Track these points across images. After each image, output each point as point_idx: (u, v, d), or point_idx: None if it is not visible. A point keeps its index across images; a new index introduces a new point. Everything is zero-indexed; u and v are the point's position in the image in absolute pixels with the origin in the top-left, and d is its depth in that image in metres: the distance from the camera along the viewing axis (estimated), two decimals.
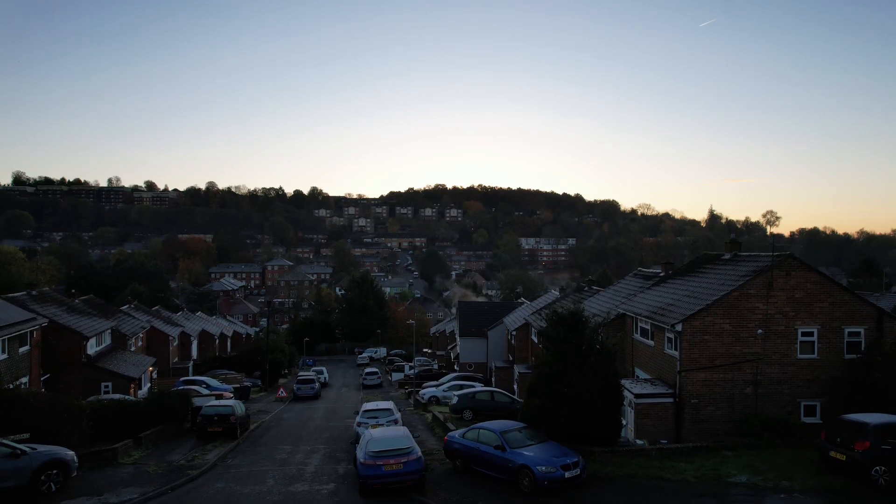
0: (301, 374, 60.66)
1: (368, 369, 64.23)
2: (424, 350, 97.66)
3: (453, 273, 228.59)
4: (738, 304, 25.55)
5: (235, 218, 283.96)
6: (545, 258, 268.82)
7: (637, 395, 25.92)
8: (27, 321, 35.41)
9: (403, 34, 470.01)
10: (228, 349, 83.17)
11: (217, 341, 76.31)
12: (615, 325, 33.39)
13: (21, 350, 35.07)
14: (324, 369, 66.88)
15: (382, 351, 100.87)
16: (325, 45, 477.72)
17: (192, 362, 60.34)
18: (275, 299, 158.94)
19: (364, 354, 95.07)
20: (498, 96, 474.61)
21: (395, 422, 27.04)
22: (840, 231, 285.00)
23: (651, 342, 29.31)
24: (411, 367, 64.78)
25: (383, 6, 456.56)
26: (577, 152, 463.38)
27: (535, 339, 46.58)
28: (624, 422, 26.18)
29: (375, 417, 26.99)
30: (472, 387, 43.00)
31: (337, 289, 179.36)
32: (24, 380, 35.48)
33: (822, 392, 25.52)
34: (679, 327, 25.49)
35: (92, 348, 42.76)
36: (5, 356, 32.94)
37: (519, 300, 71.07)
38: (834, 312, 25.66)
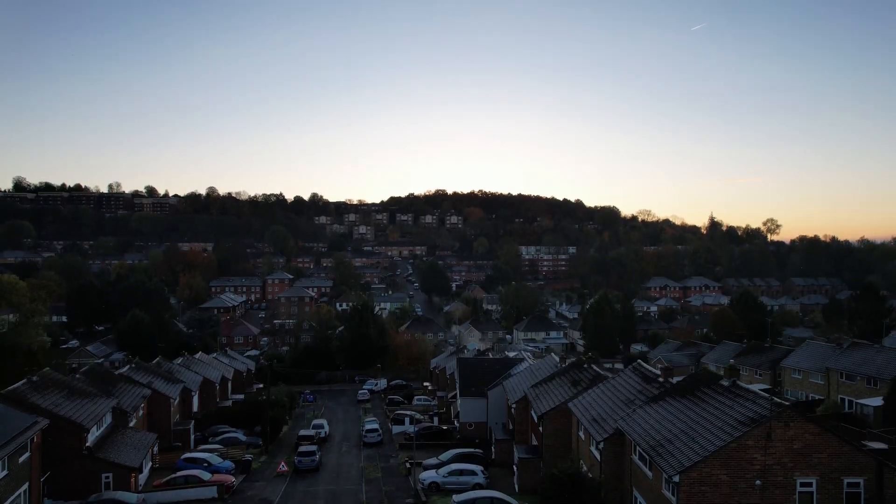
0: (301, 433, 60.86)
1: (369, 424, 64.33)
2: (425, 384, 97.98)
3: (453, 285, 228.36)
4: (735, 455, 25.58)
5: (236, 226, 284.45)
6: (545, 268, 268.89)
7: None
8: (28, 429, 35.32)
9: (404, 40, 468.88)
10: (230, 391, 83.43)
11: (218, 387, 76.46)
12: (614, 440, 33.50)
13: (21, 459, 35.05)
14: (324, 423, 66.88)
15: (383, 383, 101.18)
16: (325, 52, 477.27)
17: (192, 423, 60.47)
18: (275, 320, 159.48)
19: (364, 388, 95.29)
20: (499, 102, 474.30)
21: None
22: (841, 237, 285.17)
23: (649, 472, 29.34)
24: (412, 422, 64.94)
25: (384, 13, 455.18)
26: (577, 156, 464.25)
27: (535, 419, 46.71)
28: None
29: None
30: (473, 472, 43.44)
31: (337, 304, 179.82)
32: (24, 487, 35.60)
33: None
34: (677, 479, 25.52)
35: (92, 435, 42.80)
36: (5, 472, 32.97)
37: (518, 356, 71.27)
38: (832, 463, 25.69)
